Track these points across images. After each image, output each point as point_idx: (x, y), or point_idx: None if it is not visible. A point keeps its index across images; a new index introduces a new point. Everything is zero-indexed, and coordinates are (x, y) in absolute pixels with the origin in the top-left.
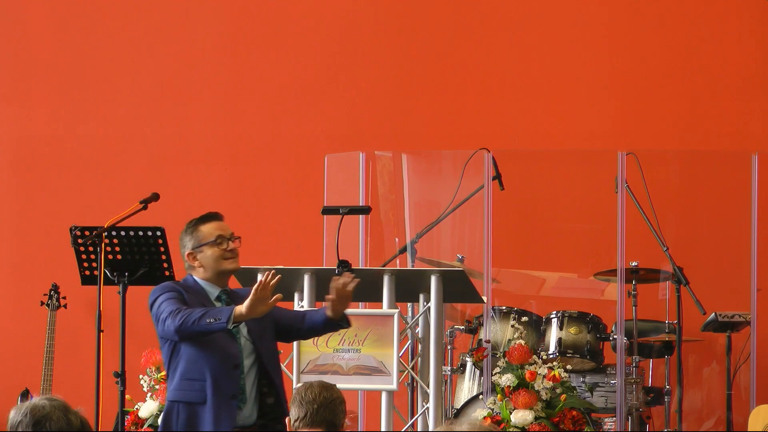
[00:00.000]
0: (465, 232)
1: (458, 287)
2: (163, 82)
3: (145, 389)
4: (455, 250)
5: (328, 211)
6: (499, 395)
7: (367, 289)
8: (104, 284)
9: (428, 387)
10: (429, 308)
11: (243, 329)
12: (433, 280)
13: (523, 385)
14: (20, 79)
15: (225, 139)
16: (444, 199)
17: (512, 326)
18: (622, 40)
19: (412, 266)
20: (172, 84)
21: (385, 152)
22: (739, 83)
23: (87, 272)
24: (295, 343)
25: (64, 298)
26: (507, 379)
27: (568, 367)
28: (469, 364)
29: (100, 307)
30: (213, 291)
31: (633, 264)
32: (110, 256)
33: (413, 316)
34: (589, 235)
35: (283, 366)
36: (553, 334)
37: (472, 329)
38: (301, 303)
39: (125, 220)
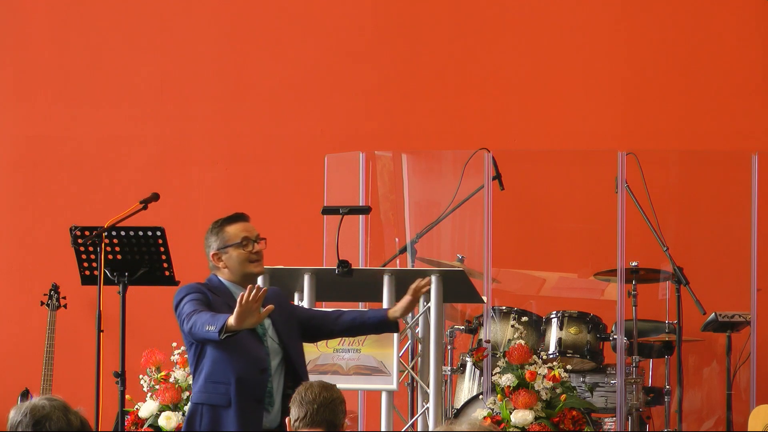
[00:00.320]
0: (465, 232)
1: (458, 287)
2: (163, 82)
3: (145, 389)
4: (455, 250)
5: (328, 211)
6: (499, 395)
7: (367, 289)
8: (104, 284)
9: (428, 387)
10: (429, 308)
11: (270, 330)
12: (433, 280)
13: (523, 385)
14: (20, 79)
15: (225, 139)
16: (444, 199)
17: (512, 326)
18: (623, 40)
19: (412, 266)
20: (172, 84)
21: (385, 152)
22: (739, 83)
23: (87, 272)
24: None
25: (64, 298)
26: (507, 379)
27: (568, 367)
28: (469, 364)
29: (100, 307)
30: (239, 292)
31: (633, 264)
32: (110, 256)
33: (413, 316)
34: (589, 235)
35: None
36: (553, 334)
37: (472, 329)
38: (301, 303)
39: (125, 220)
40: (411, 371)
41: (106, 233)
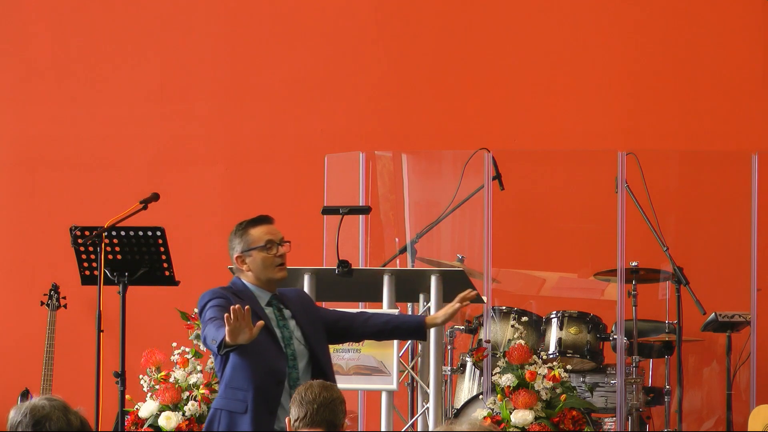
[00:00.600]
0: (465, 232)
1: (458, 287)
2: (163, 82)
3: (145, 389)
4: (455, 250)
5: (328, 211)
6: (499, 395)
7: (367, 289)
8: (104, 284)
9: (428, 387)
10: (429, 308)
11: (296, 332)
12: (433, 280)
13: (523, 385)
14: (20, 79)
15: (225, 139)
16: (444, 199)
17: (512, 326)
18: (623, 40)
19: (412, 266)
20: (172, 84)
21: (385, 152)
22: (739, 83)
23: (87, 272)
24: None
25: (64, 298)
26: (507, 379)
27: (568, 367)
28: (469, 364)
29: (100, 307)
30: (263, 296)
31: (633, 264)
32: (110, 256)
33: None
34: (589, 235)
35: None
36: (553, 334)
37: (472, 329)
38: None
39: (125, 220)
40: (411, 371)
41: (106, 233)
